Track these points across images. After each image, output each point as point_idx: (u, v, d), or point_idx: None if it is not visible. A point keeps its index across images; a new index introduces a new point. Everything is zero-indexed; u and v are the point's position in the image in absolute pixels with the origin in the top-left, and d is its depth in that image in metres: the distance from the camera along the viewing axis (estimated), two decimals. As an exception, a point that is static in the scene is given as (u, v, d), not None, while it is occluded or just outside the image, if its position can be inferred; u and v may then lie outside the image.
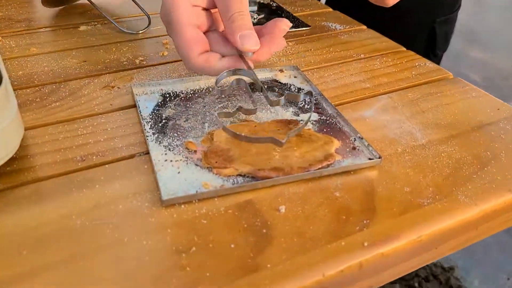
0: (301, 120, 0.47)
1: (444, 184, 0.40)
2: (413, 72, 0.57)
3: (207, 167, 0.40)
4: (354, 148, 0.43)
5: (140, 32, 0.64)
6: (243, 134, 0.39)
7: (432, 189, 0.39)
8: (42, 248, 0.33)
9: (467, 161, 0.43)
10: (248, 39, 0.43)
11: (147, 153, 0.42)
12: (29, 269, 0.31)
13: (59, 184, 0.38)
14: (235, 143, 0.43)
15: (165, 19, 0.45)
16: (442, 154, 0.43)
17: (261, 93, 0.45)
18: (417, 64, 0.59)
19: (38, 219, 0.35)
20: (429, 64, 0.59)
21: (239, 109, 0.41)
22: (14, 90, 0.50)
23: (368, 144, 0.43)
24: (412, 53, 0.62)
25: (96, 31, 0.65)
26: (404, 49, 0.63)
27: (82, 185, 0.38)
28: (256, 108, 0.42)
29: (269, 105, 0.44)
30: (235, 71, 0.45)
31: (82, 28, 0.65)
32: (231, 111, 0.40)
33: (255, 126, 0.45)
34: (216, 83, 0.43)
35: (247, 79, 0.46)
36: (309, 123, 0.47)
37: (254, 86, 0.43)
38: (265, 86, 0.45)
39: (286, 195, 0.38)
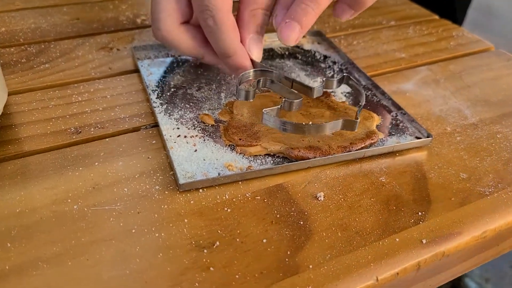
0: (332, 91, 0.40)
1: (505, 170, 0.34)
2: (451, 43, 0.51)
3: (229, 145, 0.34)
4: (397, 125, 0.37)
5: (141, -11, 0.57)
6: (310, 123, 0.32)
7: (492, 176, 0.33)
8: (30, 240, 0.26)
9: (527, 144, 0.37)
10: (255, 46, 0.37)
11: (155, 125, 0.35)
12: (14, 266, 0.25)
13: (49, 161, 0.31)
14: (259, 116, 0.36)
15: None
16: (498, 136, 0.37)
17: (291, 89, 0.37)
18: (454, 34, 0.53)
19: (24, 203, 0.28)
20: (468, 34, 0.53)
21: (284, 104, 0.34)
22: (-4, 48, 0.43)
23: (414, 120, 0.37)
24: (447, 22, 0.56)
25: (90, -14, 0.57)
26: (438, 17, 0.57)
27: (78, 162, 0.31)
28: (302, 98, 0.34)
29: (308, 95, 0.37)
30: (260, 72, 0.36)
31: (74, -18, 0.57)
32: (279, 107, 0.33)
33: (280, 97, 0.38)
34: (239, 83, 0.35)
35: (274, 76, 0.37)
36: (341, 95, 0.41)
37: (281, 81, 0.35)
38: (296, 78, 0.38)
39: (324, 180, 0.32)
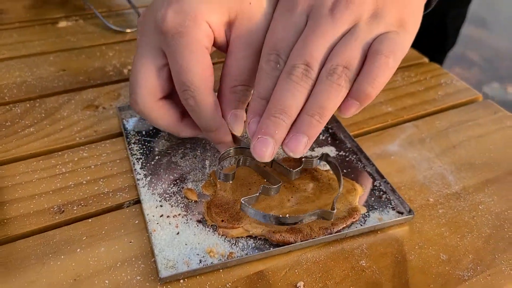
0: (316, 156, 0.40)
1: (485, 250, 0.34)
2: (439, 92, 0.51)
3: (212, 225, 0.34)
4: (380, 197, 0.37)
5: (128, 31, 0.56)
6: (287, 215, 0.32)
7: (472, 257, 0.34)
8: None
9: (508, 216, 0.37)
10: (236, 122, 0.36)
11: (138, 201, 0.36)
12: None
13: (32, 247, 0.32)
14: (242, 191, 0.36)
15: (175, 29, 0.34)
16: (480, 207, 0.38)
17: (271, 168, 0.37)
18: (442, 81, 0.53)
19: (5, 301, 0.29)
20: (456, 81, 0.53)
21: (263, 190, 0.34)
22: (-20, 108, 0.43)
23: (397, 193, 0.37)
24: (436, 66, 0.55)
25: (77, 28, 0.57)
26: (427, 60, 0.57)
27: (60, 249, 0.32)
28: (281, 183, 0.35)
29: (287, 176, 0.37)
30: (239, 150, 0.37)
31: (62, 24, 0.57)
32: (257, 194, 0.34)
33: (265, 166, 0.38)
34: (219, 161, 0.36)
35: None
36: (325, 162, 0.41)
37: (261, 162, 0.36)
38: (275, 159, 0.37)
39: (304, 265, 0.32)
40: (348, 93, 0.32)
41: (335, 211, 0.33)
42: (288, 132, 0.33)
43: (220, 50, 0.37)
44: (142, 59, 0.35)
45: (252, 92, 0.36)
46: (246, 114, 0.35)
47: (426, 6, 0.39)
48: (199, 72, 0.33)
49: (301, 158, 0.37)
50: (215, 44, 0.36)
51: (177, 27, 0.33)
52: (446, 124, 0.46)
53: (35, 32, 0.55)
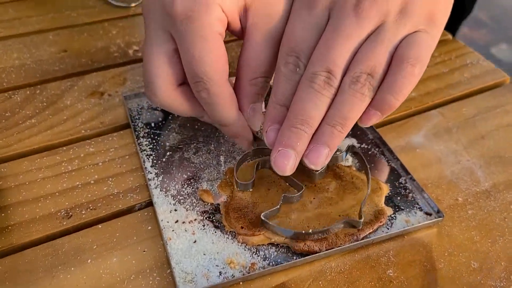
0: (338, 151, 0.38)
1: (519, 256, 0.32)
2: (465, 75, 0.48)
3: (230, 231, 0.32)
4: (406, 196, 0.35)
5: (133, 5, 0.52)
6: (310, 230, 0.30)
7: (504, 264, 0.32)
8: None
9: (542, 217, 0.35)
10: (255, 116, 0.34)
11: (150, 202, 0.34)
12: None
13: (39, 258, 0.30)
14: (261, 192, 0.34)
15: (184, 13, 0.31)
16: (511, 207, 0.35)
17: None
18: (468, 61, 0.49)
19: (14, 321, 0.27)
20: (482, 61, 0.49)
21: (284, 199, 0.32)
22: (-23, 96, 0.40)
23: (424, 192, 0.35)
24: (461, 44, 0.52)
25: (77, 1, 0.53)
26: (450, 37, 0.53)
27: (70, 260, 0.30)
28: (303, 190, 0.33)
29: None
30: (257, 150, 0.35)
31: (60, -4, 0.53)
32: (278, 207, 0.32)
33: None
34: (237, 167, 0.34)
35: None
36: (348, 156, 0.38)
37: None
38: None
39: (329, 276, 0.30)
40: (371, 103, 0.30)
41: (362, 219, 0.31)
42: (309, 142, 0.31)
43: (235, 35, 0.34)
44: (152, 47, 0.32)
45: (270, 82, 0.33)
46: (264, 119, 0.32)
47: None
48: (213, 62, 0.30)
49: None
50: (228, 29, 0.33)
51: (187, 12, 0.30)
52: (474, 111, 0.44)
53: (32, 7, 0.51)
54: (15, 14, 0.50)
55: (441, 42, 0.52)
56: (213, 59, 0.30)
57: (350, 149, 0.35)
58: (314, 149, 0.31)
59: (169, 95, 0.33)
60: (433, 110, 0.43)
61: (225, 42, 0.31)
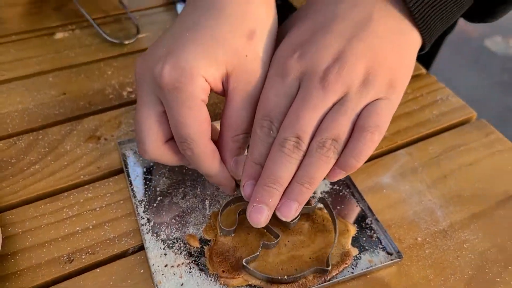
0: (313, 204, 0.41)
1: (467, 293, 0.37)
2: (434, 112, 0.52)
3: (213, 273, 0.36)
4: (371, 237, 0.40)
5: (126, 42, 0.56)
6: (285, 277, 0.35)
7: (454, 301, 0.36)
8: None
9: (491, 256, 0.39)
10: (237, 167, 0.38)
11: (142, 246, 0.38)
12: None
13: (45, 302, 0.34)
14: (241, 236, 0.38)
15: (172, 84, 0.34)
16: (465, 245, 0.40)
17: None
18: (438, 97, 0.53)
19: None
20: (452, 97, 0.53)
21: (264, 246, 0.37)
22: (-15, 142, 0.44)
23: (387, 233, 0.39)
24: (433, 79, 0.56)
25: (75, 40, 0.56)
26: (424, 71, 0.57)
27: (72, 303, 0.34)
28: (279, 238, 0.37)
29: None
30: (238, 197, 0.40)
31: (58, 35, 0.57)
32: (258, 254, 0.36)
33: None
34: (221, 213, 0.39)
35: None
36: (320, 195, 0.42)
37: None
38: None
39: (298, 314, 0.35)
40: (336, 164, 0.35)
41: (330, 268, 0.35)
42: (281, 197, 0.35)
43: (218, 94, 0.38)
44: (143, 109, 0.36)
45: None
46: (242, 176, 0.36)
47: (420, 49, 0.39)
48: (196, 126, 0.35)
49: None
50: (212, 91, 0.37)
51: (174, 83, 0.34)
52: (439, 149, 0.48)
53: (32, 47, 0.55)
54: (17, 54, 0.54)
55: (415, 77, 0.56)
56: (197, 124, 0.35)
57: (321, 201, 0.40)
58: (285, 204, 0.35)
59: (159, 151, 0.37)
60: (401, 150, 0.47)
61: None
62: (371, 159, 0.46)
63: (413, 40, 0.37)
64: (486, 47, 2.24)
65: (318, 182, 0.35)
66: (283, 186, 0.35)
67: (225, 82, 0.36)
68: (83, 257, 0.37)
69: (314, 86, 0.34)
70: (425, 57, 0.90)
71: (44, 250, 0.37)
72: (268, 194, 0.35)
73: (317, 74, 0.34)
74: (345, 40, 0.35)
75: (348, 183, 0.44)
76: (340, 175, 0.36)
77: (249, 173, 0.36)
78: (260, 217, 0.35)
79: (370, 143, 0.34)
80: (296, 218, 0.38)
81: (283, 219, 0.36)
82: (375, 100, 0.35)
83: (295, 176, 0.35)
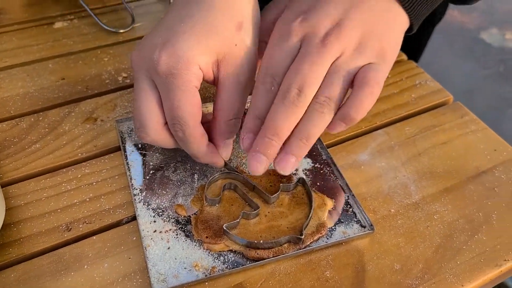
0: (292, 182, 0.45)
1: (434, 259, 0.40)
2: (412, 95, 0.54)
3: (198, 239, 0.39)
4: (347, 211, 0.43)
5: (121, 31, 0.59)
6: (261, 241, 0.38)
7: (421, 266, 0.39)
8: None
9: (459, 226, 0.42)
10: (226, 149, 0.42)
11: (135, 217, 0.41)
12: None
13: (46, 265, 0.37)
14: (225, 207, 0.41)
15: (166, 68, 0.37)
16: (435, 217, 0.43)
17: (253, 192, 0.43)
18: (417, 82, 0.56)
19: (28, 315, 0.35)
20: (430, 82, 0.56)
21: (243, 215, 0.40)
22: (-10, 123, 0.47)
23: (361, 207, 0.42)
24: (413, 64, 0.59)
25: (73, 29, 0.60)
26: (405, 57, 0.60)
27: (70, 266, 0.37)
28: (259, 208, 0.41)
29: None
30: (226, 174, 0.43)
31: (57, 25, 0.60)
32: (238, 221, 0.40)
33: (247, 191, 0.43)
34: (207, 186, 0.42)
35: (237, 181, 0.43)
36: (302, 173, 0.46)
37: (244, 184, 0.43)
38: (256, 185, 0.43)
39: (277, 277, 0.38)
40: (336, 115, 0.37)
41: (303, 236, 0.38)
42: (280, 151, 0.38)
43: (208, 83, 0.41)
44: (142, 93, 0.39)
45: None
46: (242, 129, 0.39)
47: (408, 30, 0.42)
48: (188, 109, 0.38)
49: (279, 182, 0.42)
50: (203, 79, 0.40)
51: (171, 69, 0.37)
52: (415, 130, 0.51)
53: (33, 35, 0.58)
54: (19, 42, 0.57)
55: (396, 63, 0.59)
56: (189, 107, 0.38)
57: (301, 181, 0.43)
58: (283, 158, 0.38)
59: (159, 133, 0.40)
60: (379, 130, 0.50)
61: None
62: (351, 138, 0.50)
63: (400, 19, 0.40)
64: (482, 39, 2.26)
65: (314, 138, 0.37)
66: (281, 138, 0.37)
67: (215, 69, 0.39)
68: (80, 226, 0.40)
69: (314, 45, 0.37)
70: (415, 47, 0.93)
71: (44, 220, 0.40)
72: (268, 145, 0.37)
73: (318, 35, 0.37)
74: (344, 10, 0.38)
75: (328, 162, 0.47)
76: (340, 128, 0.38)
77: (249, 126, 0.39)
78: (258, 165, 0.38)
79: (370, 96, 0.36)
80: (276, 193, 0.41)
81: (281, 172, 0.38)
82: (368, 63, 0.37)
83: (293, 131, 0.37)
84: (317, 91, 0.37)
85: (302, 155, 0.38)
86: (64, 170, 0.44)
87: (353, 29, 0.37)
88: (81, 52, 0.56)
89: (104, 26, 0.59)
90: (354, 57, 0.37)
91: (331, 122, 0.38)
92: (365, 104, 0.36)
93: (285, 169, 0.38)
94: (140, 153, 0.46)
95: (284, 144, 0.38)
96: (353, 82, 0.37)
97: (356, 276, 0.39)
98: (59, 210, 0.41)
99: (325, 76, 0.37)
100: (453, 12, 2.26)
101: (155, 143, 0.41)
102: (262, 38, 0.42)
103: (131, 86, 0.53)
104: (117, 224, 0.41)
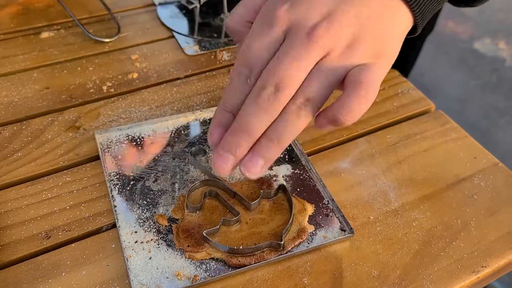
0: (274, 177, 0.45)
1: (411, 265, 0.40)
2: (394, 104, 0.55)
3: (180, 248, 0.40)
4: (327, 215, 0.43)
5: (107, 40, 0.60)
6: (241, 247, 0.39)
7: (399, 272, 0.40)
8: None
9: (437, 232, 0.43)
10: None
11: (114, 224, 0.41)
12: None
13: (24, 272, 0.37)
14: (206, 215, 0.42)
15: None
16: (414, 224, 0.43)
17: (234, 199, 0.43)
18: (399, 90, 0.57)
19: (4, 323, 0.35)
20: (413, 91, 0.57)
21: (224, 222, 0.41)
22: (-27, 132, 0.47)
23: (341, 212, 0.43)
24: (396, 73, 0.59)
25: (59, 39, 0.60)
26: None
27: (48, 273, 0.38)
28: (239, 215, 0.41)
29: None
30: (207, 181, 0.44)
31: (44, 34, 0.60)
32: (218, 227, 0.40)
33: (228, 199, 0.43)
34: (188, 193, 0.42)
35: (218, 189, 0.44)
36: (282, 179, 0.46)
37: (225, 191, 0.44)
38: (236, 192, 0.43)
39: (255, 283, 0.38)
40: (325, 117, 0.33)
41: (283, 242, 0.38)
42: (248, 151, 0.34)
43: None
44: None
45: None
46: (211, 123, 0.36)
47: (412, 31, 0.38)
48: None
49: (260, 189, 0.42)
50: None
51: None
52: (396, 138, 0.51)
53: (19, 44, 0.59)
54: (4, 52, 0.57)
55: (379, 72, 0.59)
56: None
57: (282, 188, 0.44)
58: (250, 159, 0.34)
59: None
60: (361, 138, 0.51)
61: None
62: (332, 146, 0.50)
63: (402, 17, 0.36)
64: (475, 49, 2.28)
65: (287, 141, 0.33)
66: (252, 137, 0.33)
67: None
68: (60, 233, 0.40)
69: (299, 37, 0.32)
70: (406, 58, 0.93)
71: (24, 227, 0.40)
72: (236, 144, 0.33)
73: (304, 27, 0.33)
74: (338, 1, 0.33)
75: (308, 168, 0.47)
76: (329, 128, 0.34)
77: (218, 120, 0.35)
78: (224, 166, 0.34)
79: (363, 100, 0.32)
80: (256, 200, 0.41)
81: (246, 174, 0.34)
82: (363, 64, 0.33)
83: (265, 132, 0.33)
84: (297, 90, 0.32)
85: (272, 158, 0.34)
86: (45, 178, 0.44)
87: (345, 26, 0.33)
88: (67, 62, 0.57)
89: (91, 36, 0.59)
90: (344, 56, 0.33)
91: (318, 120, 0.34)
92: (355, 108, 0.32)
93: (251, 171, 0.34)
94: (120, 164, 0.46)
95: (254, 145, 0.34)
96: (343, 83, 0.33)
97: (334, 283, 0.39)
98: (39, 218, 0.41)
99: (308, 74, 0.33)
100: (446, 22, 2.28)
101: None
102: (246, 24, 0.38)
103: (115, 95, 0.53)
104: (97, 231, 0.41)
